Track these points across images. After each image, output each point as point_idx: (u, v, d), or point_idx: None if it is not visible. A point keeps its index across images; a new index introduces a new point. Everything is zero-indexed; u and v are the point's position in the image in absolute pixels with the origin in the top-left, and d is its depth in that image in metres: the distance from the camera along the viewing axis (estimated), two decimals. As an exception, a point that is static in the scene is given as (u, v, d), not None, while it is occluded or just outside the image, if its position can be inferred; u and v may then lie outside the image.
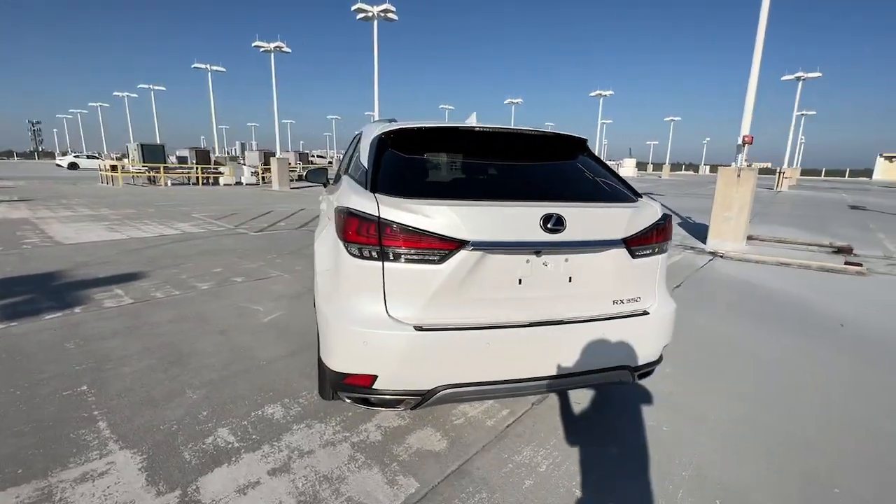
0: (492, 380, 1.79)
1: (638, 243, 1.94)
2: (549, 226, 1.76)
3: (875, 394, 2.78)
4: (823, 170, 68.27)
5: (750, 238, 8.51)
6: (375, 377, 1.75)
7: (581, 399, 2.63)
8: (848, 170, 64.68)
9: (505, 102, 40.15)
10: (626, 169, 49.86)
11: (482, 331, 1.75)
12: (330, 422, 2.35)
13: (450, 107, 45.51)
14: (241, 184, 21.69)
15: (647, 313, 1.99)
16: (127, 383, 2.68)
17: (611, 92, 32.01)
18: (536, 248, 1.78)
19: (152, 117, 38.46)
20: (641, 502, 1.85)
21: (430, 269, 1.72)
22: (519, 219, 1.77)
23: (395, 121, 2.54)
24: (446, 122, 2.35)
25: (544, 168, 2.24)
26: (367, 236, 1.73)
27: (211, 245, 6.86)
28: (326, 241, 2.05)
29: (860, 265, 6.44)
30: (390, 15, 16.04)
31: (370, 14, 15.99)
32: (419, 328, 1.72)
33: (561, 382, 1.87)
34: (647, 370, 2.08)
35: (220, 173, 22.15)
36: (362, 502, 1.81)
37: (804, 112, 36.25)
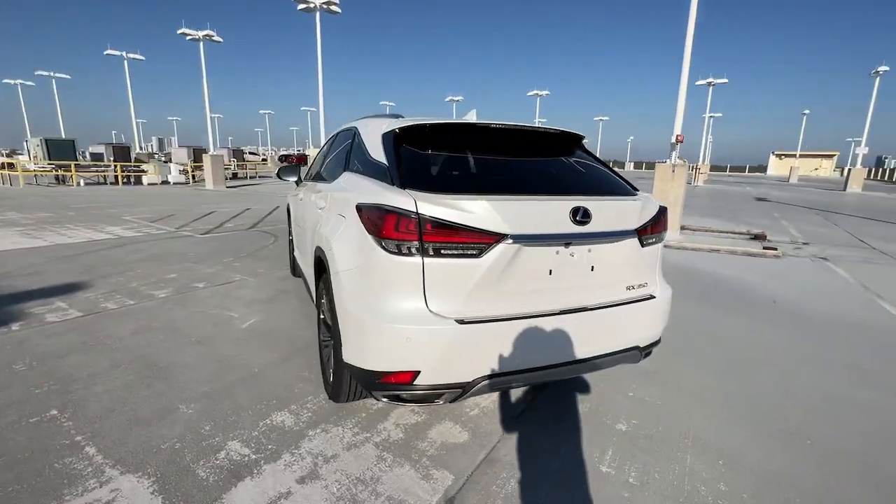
0: (526, 367, 1.87)
1: (645, 233, 2.11)
2: (577, 218, 1.86)
3: (816, 361, 3.22)
4: (728, 166, 76.21)
5: (682, 228, 9.36)
6: (417, 373, 1.76)
7: (575, 383, 2.80)
8: (747, 166, 72.76)
9: (446, 100, 40.54)
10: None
11: (518, 321, 1.82)
12: (346, 424, 2.31)
13: (391, 103, 45.00)
14: (168, 183, 19.97)
15: (654, 297, 2.18)
16: (105, 403, 2.42)
17: (547, 92, 33.54)
18: (567, 240, 1.88)
19: (55, 109, 34.12)
20: (660, 469, 2.02)
21: (470, 262, 1.75)
22: (551, 212, 1.86)
23: (402, 117, 2.52)
24: (453, 119, 2.38)
25: (556, 163, 2.34)
26: (406, 233, 1.72)
27: (156, 250, 6.29)
28: (348, 239, 2.00)
29: (776, 249, 7.35)
30: (333, 7, 15.52)
31: (312, 5, 15.36)
32: (461, 321, 1.75)
33: (585, 366, 1.99)
34: (650, 350, 2.26)
35: (142, 171, 20.23)
36: (403, 499, 1.81)
37: (713, 114, 40.41)
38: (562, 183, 2.11)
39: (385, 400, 1.89)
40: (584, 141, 2.55)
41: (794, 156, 48.47)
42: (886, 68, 23.17)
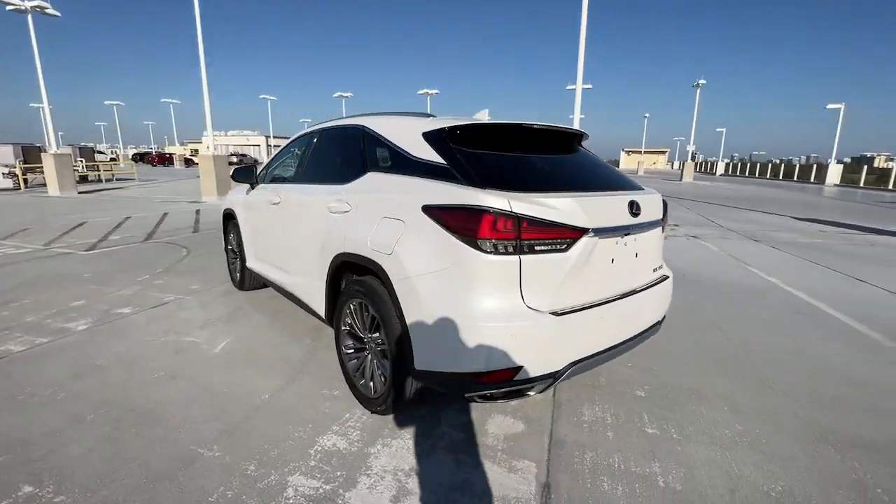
0: (599, 350, 2.02)
1: (663, 221, 2.43)
2: (633, 211, 2.07)
3: (748, 321, 3.99)
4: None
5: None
6: (519, 368, 1.79)
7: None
8: (605, 160, 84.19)
9: (335, 96, 38.92)
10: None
11: (594, 308, 1.96)
12: (403, 435, 2.22)
13: (272, 97, 41.65)
14: (-11, 189, 15.81)
15: (668, 277, 2.51)
16: (96, 465, 1.95)
17: (436, 91, 34.38)
18: (626, 231, 2.07)
19: None
20: (691, 422, 2.36)
21: (559, 257, 1.84)
22: (615, 206, 2.03)
23: (434, 115, 2.46)
24: (492, 120, 2.42)
25: (585, 159, 2.49)
26: (504, 231, 1.74)
27: (32, 273, 5.03)
28: (420, 243, 1.92)
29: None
30: (48, 11, 13.94)
31: (23, 7, 13.50)
32: (555, 313, 1.83)
33: (633, 342, 2.23)
34: (662, 323, 2.61)
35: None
36: (505, 495, 1.84)
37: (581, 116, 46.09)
38: (603, 179, 2.29)
39: (479, 400, 1.88)
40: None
41: (640, 152, 57.49)
42: (704, 81, 28.89)
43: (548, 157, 2.29)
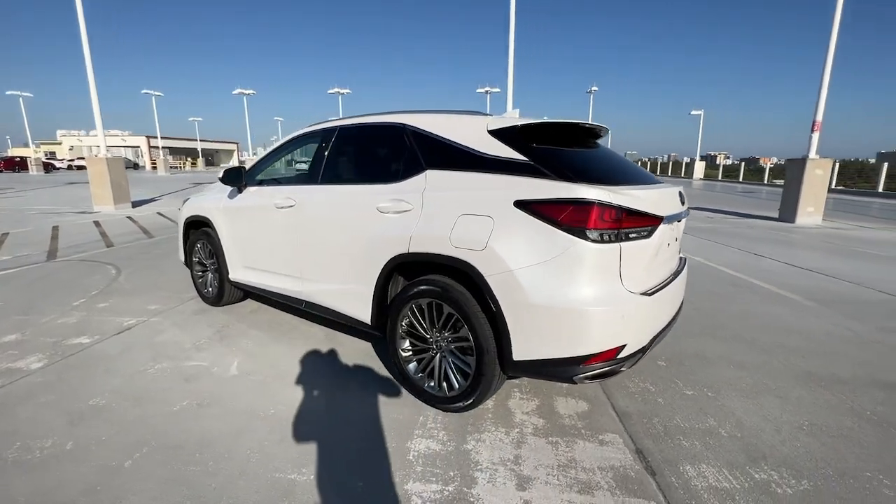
0: (662, 327, 2.27)
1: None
2: (681, 200, 2.35)
3: (705, 293, 4.64)
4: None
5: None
6: (622, 347, 1.95)
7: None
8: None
9: (234, 93, 35.62)
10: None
11: (663, 288, 2.20)
12: (488, 428, 2.26)
13: (157, 92, 36.64)
14: None
15: (686, 259, 2.88)
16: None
17: (348, 90, 33.42)
18: (678, 218, 2.34)
19: None
20: (717, 382, 2.74)
21: (645, 243, 2.03)
22: (672, 196, 2.28)
23: (488, 114, 2.49)
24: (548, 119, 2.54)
25: (611, 153, 2.69)
26: (609, 222, 1.88)
27: (-88, 308, 3.95)
28: (519, 237, 1.97)
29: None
30: None
31: None
32: (644, 294, 2.03)
33: (675, 319, 2.52)
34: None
35: None
36: (611, 465, 1.99)
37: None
38: (641, 172, 2.52)
39: (585, 381, 2.00)
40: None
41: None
42: (596, 88, 32.24)
43: (593, 152, 2.46)
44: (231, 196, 3.62)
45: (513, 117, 2.41)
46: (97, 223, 9.08)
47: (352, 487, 1.83)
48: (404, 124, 2.61)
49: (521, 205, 2.00)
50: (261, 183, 3.51)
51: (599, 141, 2.75)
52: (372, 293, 2.59)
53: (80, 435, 2.16)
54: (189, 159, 55.65)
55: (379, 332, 2.66)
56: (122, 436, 2.16)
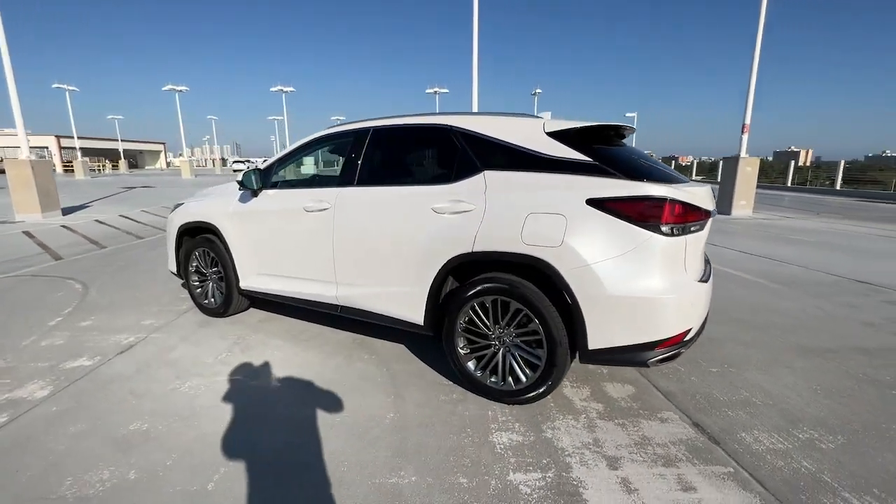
0: (707, 312, 2.50)
1: None
2: (714, 197, 2.59)
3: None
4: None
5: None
6: (689, 330, 2.13)
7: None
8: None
9: (165, 89, 32.78)
10: (307, 167, 51.47)
11: (709, 277, 2.43)
12: (556, 416, 2.36)
13: (73, 88, 32.77)
14: None
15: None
16: (291, 529, 1.62)
17: (292, 88, 32.04)
18: (713, 213, 2.57)
19: None
20: (726, 358, 3.04)
21: (699, 235, 2.23)
22: (709, 193, 2.51)
23: (537, 116, 2.57)
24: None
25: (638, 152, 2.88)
26: (678, 216, 2.06)
27: None
28: (593, 233, 2.09)
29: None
30: None
31: None
32: (700, 280, 2.23)
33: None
34: None
35: None
36: (679, 439, 2.17)
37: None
38: (673, 171, 2.73)
39: (657, 364, 2.15)
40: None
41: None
42: (540, 91, 33.65)
43: (631, 150, 2.63)
44: (243, 200, 3.43)
45: (557, 120, 2.51)
46: (29, 234, 8.08)
47: (458, 484, 1.86)
48: (451, 126, 2.65)
49: (594, 202, 2.12)
50: (276, 186, 3.36)
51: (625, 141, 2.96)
52: (426, 294, 2.60)
53: (138, 463, 1.98)
54: (108, 161, 50.57)
55: (431, 332, 2.67)
56: (189, 458, 2.01)
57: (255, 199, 3.37)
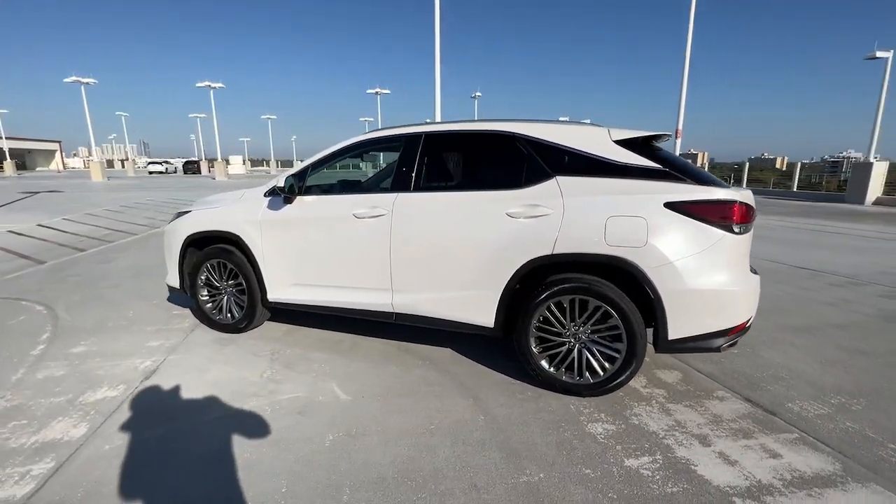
0: None
1: None
2: None
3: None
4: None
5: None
6: (750, 318, 2.41)
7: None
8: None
9: (68, 81, 28.65)
10: (235, 166, 48.47)
11: None
12: (632, 404, 2.54)
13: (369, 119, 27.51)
14: None
15: None
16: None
17: (221, 84, 29.72)
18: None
19: None
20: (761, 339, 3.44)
21: (751, 233, 2.52)
22: (751, 194, 2.81)
23: (598, 125, 2.71)
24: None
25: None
26: (746, 217, 2.32)
27: None
28: (672, 233, 2.28)
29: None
30: None
31: None
32: (754, 273, 2.52)
33: None
34: None
35: None
36: (744, 414, 2.44)
37: (368, 118, 47.76)
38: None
39: (725, 349, 2.40)
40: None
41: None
42: (479, 94, 34.56)
43: (678, 156, 2.90)
44: (274, 207, 3.23)
45: (620, 129, 2.69)
46: (-69, 249, 6.81)
47: (585, 475, 1.95)
48: (514, 133, 2.73)
49: (672, 206, 2.33)
50: (311, 192, 3.21)
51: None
52: (498, 296, 2.65)
53: (253, 492, 1.83)
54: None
55: (501, 333, 2.73)
56: (301, 483, 1.89)
57: (289, 206, 3.18)
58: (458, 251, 2.73)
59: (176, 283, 3.70)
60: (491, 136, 2.81)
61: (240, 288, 3.45)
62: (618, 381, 2.50)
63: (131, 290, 4.71)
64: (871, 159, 15.61)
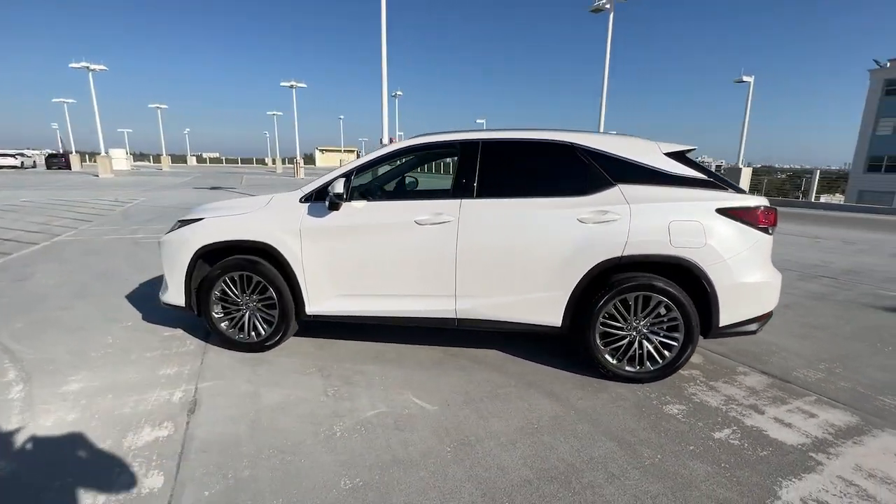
0: None
1: None
2: None
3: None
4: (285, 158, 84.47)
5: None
6: (774, 305, 2.87)
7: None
8: (303, 157, 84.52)
9: None
10: (118, 160, 42.47)
11: None
12: (687, 387, 2.87)
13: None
14: None
15: None
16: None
17: (102, 67, 25.35)
18: None
19: None
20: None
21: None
22: None
23: (644, 138, 2.98)
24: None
25: None
26: (774, 220, 2.76)
27: None
28: (724, 235, 2.63)
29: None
30: None
31: None
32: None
33: None
34: None
35: None
36: (769, 384, 2.91)
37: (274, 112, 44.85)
38: None
39: (758, 332, 2.83)
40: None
41: (340, 150, 61.67)
42: (401, 93, 34.42)
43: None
44: (317, 214, 3.01)
45: (667, 143, 3.00)
46: None
47: (692, 451, 2.20)
48: (573, 143, 2.91)
49: (722, 211, 2.69)
50: (360, 198, 3.06)
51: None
52: (567, 298, 2.82)
53: (410, 516, 1.77)
54: None
55: (567, 332, 2.90)
56: (471, 495, 1.87)
57: (335, 213, 2.99)
58: (529, 256, 2.83)
59: (180, 301, 3.26)
60: (551, 146, 2.96)
61: (267, 302, 3.16)
62: (676, 365, 2.82)
63: (89, 313, 4.00)
64: (740, 165, 18.85)
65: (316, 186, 3.09)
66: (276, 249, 3.04)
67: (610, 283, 2.79)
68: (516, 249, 2.85)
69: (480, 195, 2.93)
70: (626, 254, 2.73)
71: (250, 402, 2.59)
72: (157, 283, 4.83)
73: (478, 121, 38.68)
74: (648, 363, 2.85)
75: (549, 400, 2.67)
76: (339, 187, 2.86)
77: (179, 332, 3.61)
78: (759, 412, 2.58)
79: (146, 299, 4.35)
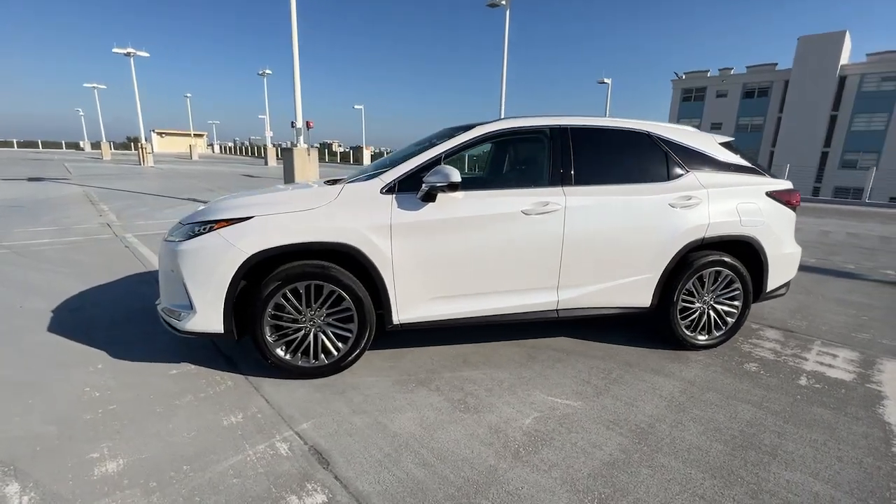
0: None
1: None
2: None
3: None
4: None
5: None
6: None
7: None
8: (132, 140, 69.68)
9: None
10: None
11: None
12: (742, 350, 3.31)
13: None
14: None
15: None
16: None
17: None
18: None
19: None
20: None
21: None
22: None
23: (692, 128, 3.24)
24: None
25: None
26: (798, 200, 3.31)
27: None
28: (772, 215, 3.07)
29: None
30: None
31: None
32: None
33: None
34: None
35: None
36: (797, 343, 3.54)
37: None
38: None
39: (783, 294, 3.38)
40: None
41: (186, 133, 52.90)
42: (270, 71, 30.94)
43: None
44: (408, 207, 2.57)
45: (716, 134, 3.35)
46: None
47: (784, 410, 2.56)
48: (650, 132, 3.05)
49: (770, 194, 3.14)
50: (461, 188, 2.70)
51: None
52: (657, 279, 2.98)
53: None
54: None
55: (656, 311, 3.07)
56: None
57: (431, 205, 2.61)
58: (627, 241, 2.90)
59: (216, 326, 2.50)
60: (631, 134, 3.05)
61: (340, 315, 2.63)
62: (736, 330, 3.23)
63: (15, 356, 2.80)
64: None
65: (398, 175, 2.66)
66: (359, 251, 2.53)
67: (689, 262, 3.04)
68: (617, 236, 2.90)
69: (579, 182, 2.88)
70: (707, 235, 2.99)
71: (382, 436, 2.16)
72: (72, 301, 3.65)
73: (356, 106, 37.31)
74: (715, 331, 3.21)
75: (660, 377, 2.81)
76: (453, 175, 2.49)
77: (191, 366, 2.78)
78: (803, 359, 3.12)
79: (88, 326, 3.22)
